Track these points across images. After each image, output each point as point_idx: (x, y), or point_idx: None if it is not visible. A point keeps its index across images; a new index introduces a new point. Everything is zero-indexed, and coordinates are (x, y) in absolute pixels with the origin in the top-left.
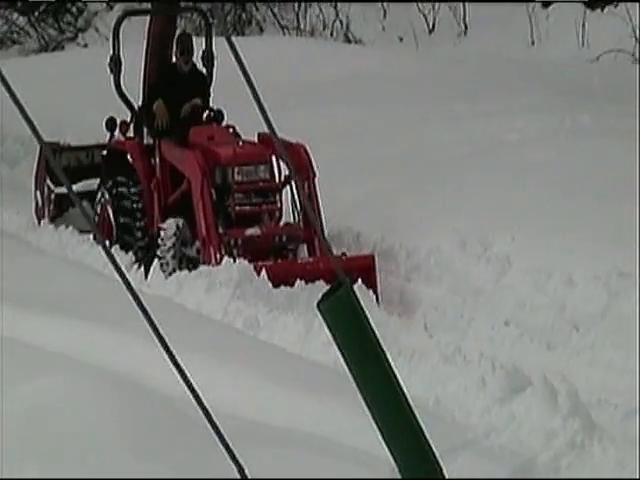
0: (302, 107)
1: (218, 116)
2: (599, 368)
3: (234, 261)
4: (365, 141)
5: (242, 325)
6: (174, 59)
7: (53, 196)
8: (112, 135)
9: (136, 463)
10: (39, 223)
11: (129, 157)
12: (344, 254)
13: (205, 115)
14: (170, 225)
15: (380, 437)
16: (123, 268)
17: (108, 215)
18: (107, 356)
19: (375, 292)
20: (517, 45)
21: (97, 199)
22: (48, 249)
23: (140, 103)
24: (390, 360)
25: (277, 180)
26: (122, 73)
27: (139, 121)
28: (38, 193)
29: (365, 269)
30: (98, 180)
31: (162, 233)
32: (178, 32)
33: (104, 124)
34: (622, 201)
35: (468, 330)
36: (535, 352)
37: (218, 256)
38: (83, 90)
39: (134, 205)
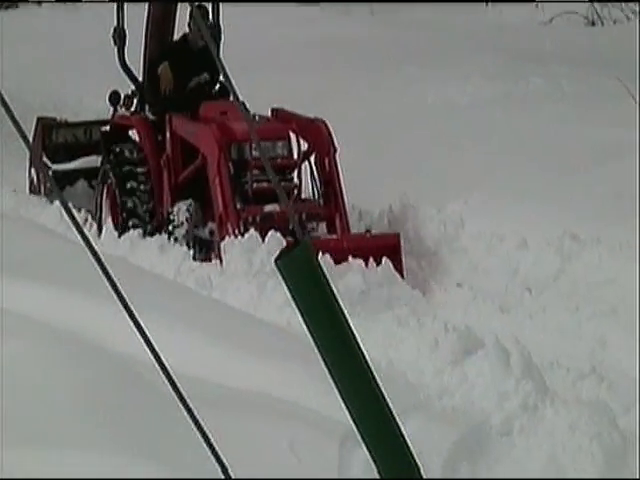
0: (260, 73)
1: (225, 92)
2: (551, 331)
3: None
4: (322, 109)
5: (194, 285)
6: (188, 30)
7: (50, 173)
8: (115, 110)
9: (95, 425)
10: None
11: (135, 133)
12: (368, 231)
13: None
14: (180, 210)
15: (340, 399)
16: (83, 227)
17: (113, 196)
18: (64, 317)
19: (400, 271)
20: (471, 8)
21: (99, 178)
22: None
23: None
24: (348, 319)
25: (295, 157)
26: (126, 46)
27: (143, 96)
28: (33, 172)
29: (390, 247)
30: (97, 157)
31: (173, 219)
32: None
33: (107, 98)
34: (575, 165)
35: (421, 292)
36: (488, 315)
37: (236, 233)
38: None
39: (141, 186)
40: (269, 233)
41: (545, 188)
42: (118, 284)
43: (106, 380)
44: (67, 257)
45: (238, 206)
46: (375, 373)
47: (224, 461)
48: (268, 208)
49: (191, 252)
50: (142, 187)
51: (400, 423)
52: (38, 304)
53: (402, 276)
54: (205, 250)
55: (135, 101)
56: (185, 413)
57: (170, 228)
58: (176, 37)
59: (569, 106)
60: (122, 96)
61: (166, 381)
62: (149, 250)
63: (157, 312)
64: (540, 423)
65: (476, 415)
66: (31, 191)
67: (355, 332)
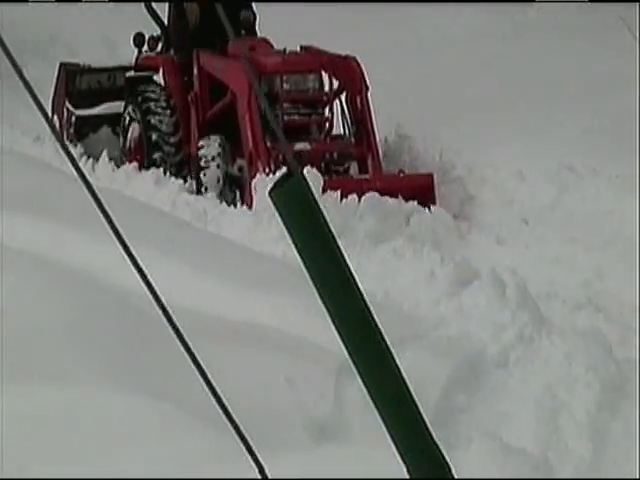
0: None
1: (252, 31)
2: (548, 262)
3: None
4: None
5: (190, 218)
6: None
7: (74, 119)
8: (140, 51)
9: (93, 359)
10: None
11: (159, 77)
12: (401, 171)
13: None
14: (210, 144)
15: (333, 326)
16: (78, 161)
17: (138, 134)
18: (61, 251)
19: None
20: None
21: (123, 119)
22: None
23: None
24: (343, 251)
25: (327, 91)
26: None
27: (169, 37)
28: (55, 117)
29: (423, 188)
30: (121, 103)
31: (203, 154)
32: None
33: (131, 40)
34: (571, 97)
35: (417, 224)
36: (484, 246)
37: (267, 171)
38: None
39: (167, 122)
40: (304, 169)
41: (542, 120)
42: (112, 217)
43: (103, 313)
44: (63, 191)
45: (268, 144)
46: (371, 307)
47: (260, 460)
48: (299, 146)
49: (216, 191)
50: (167, 122)
51: (396, 354)
52: (35, 238)
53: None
54: (235, 188)
55: (160, 43)
56: (183, 350)
57: (202, 163)
58: None
59: (566, 39)
60: (146, 38)
61: (161, 314)
62: (145, 183)
63: (152, 245)
64: (536, 354)
65: (472, 346)
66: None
67: (350, 265)
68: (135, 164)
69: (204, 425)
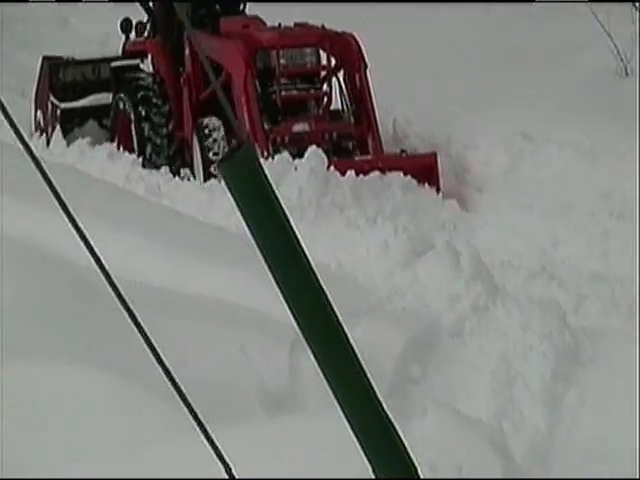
0: None
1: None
2: (502, 231)
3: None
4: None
5: (144, 192)
6: None
7: (59, 112)
8: (127, 37)
9: (38, 328)
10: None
11: (146, 65)
12: (403, 151)
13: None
14: (215, 125)
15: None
16: (24, 133)
17: (127, 123)
18: (11, 224)
19: (438, 191)
20: None
21: (112, 109)
22: None
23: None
24: (292, 223)
25: (324, 65)
26: None
27: (157, 21)
28: (39, 112)
29: (427, 168)
30: (107, 95)
31: (209, 135)
32: None
33: (118, 25)
34: (530, 66)
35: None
36: (437, 214)
37: (265, 154)
38: None
39: (159, 109)
40: (308, 149)
41: (493, 89)
42: (58, 188)
43: (55, 287)
44: (12, 165)
45: (266, 126)
46: (323, 277)
47: (227, 460)
48: (297, 127)
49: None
50: (160, 111)
51: (351, 326)
52: None
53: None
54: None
55: (147, 27)
56: (131, 322)
57: (209, 143)
58: None
59: (521, 9)
60: (134, 23)
61: (108, 286)
62: (98, 158)
63: (104, 218)
64: (491, 323)
65: (427, 316)
66: (37, 130)
67: (299, 237)
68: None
69: (156, 397)
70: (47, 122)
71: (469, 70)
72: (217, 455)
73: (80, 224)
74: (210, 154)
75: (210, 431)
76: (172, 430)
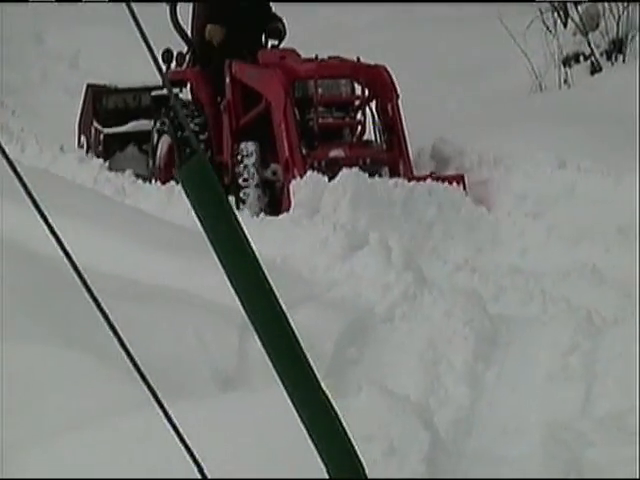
0: None
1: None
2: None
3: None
4: None
5: (111, 192)
6: None
7: (102, 137)
8: (168, 67)
9: (15, 315)
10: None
11: (187, 92)
12: (433, 173)
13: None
14: (249, 150)
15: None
16: (0, 140)
17: (167, 151)
18: None
19: None
20: None
21: (153, 136)
22: None
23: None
24: (240, 221)
25: (359, 95)
26: (178, 4)
27: (197, 51)
28: (83, 138)
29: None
30: (147, 122)
31: (243, 160)
32: None
33: (160, 56)
34: (450, 82)
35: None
36: (373, 215)
37: (301, 177)
38: None
39: (199, 136)
40: (340, 172)
41: (415, 104)
42: (32, 189)
43: (28, 277)
44: None
45: (304, 151)
46: (269, 270)
47: (199, 461)
48: (334, 153)
49: (254, 196)
50: (199, 137)
51: (295, 313)
52: None
53: None
54: (269, 192)
55: (187, 57)
56: (96, 309)
57: (239, 169)
58: None
59: (442, 24)
60: (175, 54)
61: (76, 277)
62: (69, 162)
63: (74, 216)
64: (419, 310)
65: (362, 304)
66: (79, 146)
67: (246, 233)
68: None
69: (118, 376)
70: (90, 146)
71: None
72: (189, 454)
73: (51, 221)
74: (240, 180)
75: (169, 411)
76: (135, 402)
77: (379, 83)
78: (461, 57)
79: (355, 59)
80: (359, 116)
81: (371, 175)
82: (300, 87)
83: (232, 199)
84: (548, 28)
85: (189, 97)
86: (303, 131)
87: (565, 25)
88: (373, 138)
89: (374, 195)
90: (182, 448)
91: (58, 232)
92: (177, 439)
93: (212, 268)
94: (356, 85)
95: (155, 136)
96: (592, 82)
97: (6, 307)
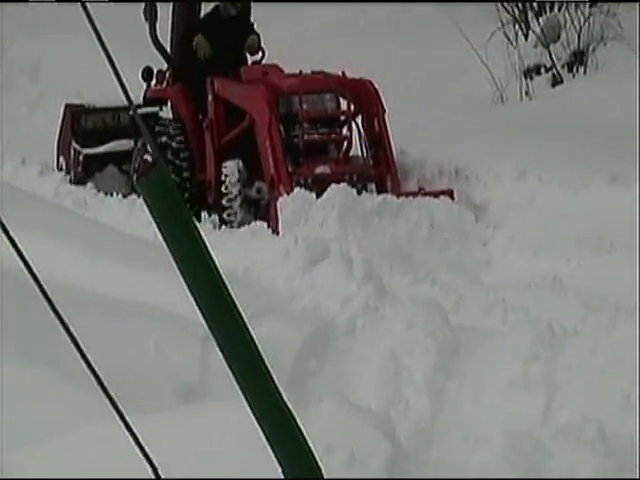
0: None
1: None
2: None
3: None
4: None
5: (71, 205)
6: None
7: (81, 157)
8: (149, 85)
9: None
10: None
11: (169, 106)
12: (422, 189)
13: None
14: (232, 169)
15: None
16: None
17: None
18: None
19: None
20: None
21: (135, 155)
22: None
23: (172, 53)
24: (201, 233)
25: (344, 110)
26: (157, 21)
27: (177, 69)
28: (62, 158)
29: None
30: (127, 141)
31: (225, 180)
32: None
33: (140, 74)
34: (414, 93)
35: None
36: (331, 225)
37: (289, 194)
38: None
39: (180, 154)
40: (328, 188)
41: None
42: None
43: None
44: None
45: (290, 168)
46: (229, 281)
47: (154, 462)
48: (319, 170)
49: (239, 213)
50: (179, 155)
51: (255, 324)
52: None
53: None
54: (254, 210)
55: (167, 75)
56: (56, 320)
57: (224, 188)
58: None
59: (405, 35)
60: (155, 72)
61: (36, 288)
62: (30, 175)
63: (34, 228)
64: (380, 322)
65: (323, 316)
66: (58, 168)
67: (207, 245)
68: None
69: (77, 388)
70: (69, 167)
71: None
72: (144, 455)
73: (11, 233)
74: (224, 199)
75: (130, 422)
76: (95, 415)
77: (365, 97)
78: (420, 66)
79: (340, 73)
80: (345, 131)
81: (358, 192)
82: (284, 103)
83: (214, 217)
84: (509, 39)
85: (170, 115)
86: (288, 147)
87: (526, 37)
88: (360, 153)
89: (361, 211)
90: (142, 458)
91: (18, 244)
92: (137, 449)
93: (173, 280)
94: (342, 100)
95: (136, 156)
96: (553, 94)
97: None
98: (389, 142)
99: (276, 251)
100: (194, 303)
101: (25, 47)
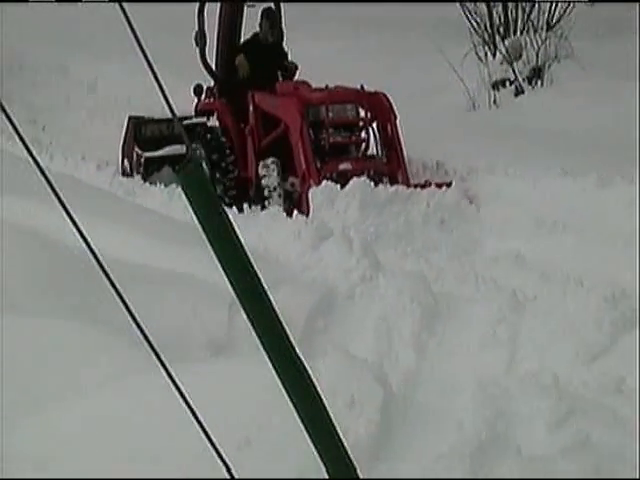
0: None
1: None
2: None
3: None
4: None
5: (123, 194)
6: (258, 29)
7: (142, 160)
8: (199, 100)
9: (47, 297)
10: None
11: (216, 116)
12: (427, 181)
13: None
14: (270, 167)
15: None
16: (32, 148)
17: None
18: (22, 217)
19: None
20: None
21: (188, 156)
22: None
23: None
24: (229, 216)
25: (362, 117)
26: (206, 46)
27: (222, 85)
28: (126, 160)
29: None
30: (179, 146)
31: (264, 173)
32: (263, 7)
33: (192, 90)
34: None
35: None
36: (355, 213)
37: (314, 188)
38: None
39: (227, 156)
40: (350, 182)
41: None
42: (58, 190)
43: (54, 265)
44: (20, 174)
45: (318, 165)
46: (252, 256)
47: (227, 461)
48: (342, 166)
49: (277, 203)
50: (226, 157)
51: (273, 291)
52: (3, 208)
53: None
54: (288, 201)
55: (214, 91)
56: (112, 290)
57: (263, 182)
58: (247, 36)
59: (396, 57)
60: (204, 88)
61: (95, 263)
62: (89, 169)
63: (92, 213)
64: (375, 290)
65: (328, 285)
66: (123, 174)
67: (236, 228)
68: None
69: (128, 344)
70: (132, 168)
71: None
72: (217, 455)
73: (75, 217)
74: (265, 192)
75: (172, 372)
76: (137, 367)
77: (379, 107)
78: (410, 82)
79: (359, 87)
80: (363, 135)
81: (375, 184)
82: (313, 112)
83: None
84: (480, 58)
85: (216, 124)
86: (316, 148)
87: (494, 55)
88: (375, 153)
89: (378, 200)
90: (181, 402)
91: (80, 226)
92: (177, 395)
93: (206, 255)
94: (360, 109)
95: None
96: (516, 103)
97: (32, 288)
98: (400, 144)
99: (290, 232)
100: (224, 274)
101: (84, 67)
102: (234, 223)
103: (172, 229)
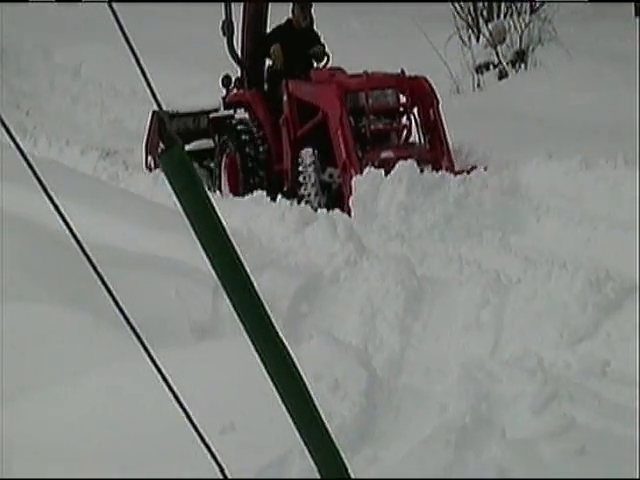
0: None
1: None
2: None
3: None
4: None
5: (106, 178)
6: (291, 16)
7: None
8: (228, 91)
9: (31, 280)
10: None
11: (249, 105)
12: (473, 167)
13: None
14: (308, 157)
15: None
16: (15, 136)
17: (234, 163)
18: (9, 203)
19: None
20: None
21: (218, 152)
22: None
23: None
24: (212, 200)
25: (403, 102)
26: (234, 35)
27: (252, 75)
28: (150, 157)
29: None
30: (206, 141)
31: (301, 167)
32: None
33: (220, 81)
34: None
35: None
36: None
37: (358, 177)
38: None
39: (260, 148)
40: (396, 166)
41: None
42: (40, 174)
43: (39, 248)
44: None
45: (359, 154)
46: (235, 240)
47: (220, 461)
48: (384, 155)
49: (313, 195)
50: (260, 149)
51: (257, 275)
52: None
53: None
54: (327, 193)
55: (244, 81)
56: (93, 273)
57: (300, 174)
58: (280, 22)
59: (379, 40)
60: (233, 79)
61: (77, 248)
62: (73, 154)
63: (76, 197)
64: (359, 273)
65: (312, 269)
66: (147, 168)
67: (219, 212)
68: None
69: (110, 328)
70: (157, 164)
71: None
72: (211, 456)
73: (57, 201)
74: (302, 183)
75: (154, 356)
76: (122, 351)
77: (421, 92)
78: (395, 65)
79: (399, 71)
80: (404, 121)
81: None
82: (352, 98)
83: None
84: (464, 42)
85: (246, 116)
86: (357, 136)
87: (478, 39)
88: (417, 140)
89: (425, 184)
90: (164, 386)
91: (63, 210)
92: (160, 379)
93: (190, 240)
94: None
95: (218, 152)
96: (500, 86)
97: (14, 273)
98: (443, 129)
99: (274, 215)
100: (206, 258)
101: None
102: (217, 206)
103: (156, 214)
